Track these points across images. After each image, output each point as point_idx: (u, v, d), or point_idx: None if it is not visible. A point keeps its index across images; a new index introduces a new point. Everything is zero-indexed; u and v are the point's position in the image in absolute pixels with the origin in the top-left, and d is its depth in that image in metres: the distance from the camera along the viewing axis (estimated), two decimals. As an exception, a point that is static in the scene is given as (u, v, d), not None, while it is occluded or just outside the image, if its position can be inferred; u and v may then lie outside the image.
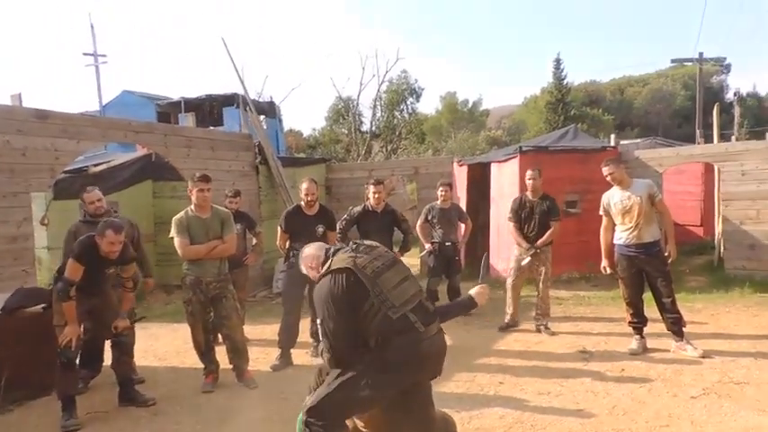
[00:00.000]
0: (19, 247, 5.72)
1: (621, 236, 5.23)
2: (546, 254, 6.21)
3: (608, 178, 5.28)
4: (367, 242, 2.96)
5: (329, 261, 2.82)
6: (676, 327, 5.15)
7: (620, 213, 5.21)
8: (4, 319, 4.77)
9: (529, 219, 6.21)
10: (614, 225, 5.33)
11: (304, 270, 3.06)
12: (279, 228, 5.71)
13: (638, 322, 5.32)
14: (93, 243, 4.24)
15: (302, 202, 5.61)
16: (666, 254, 5.18)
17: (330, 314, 2.69)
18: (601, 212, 5.44)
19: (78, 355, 4.37)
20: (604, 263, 5.46)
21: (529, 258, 6.16)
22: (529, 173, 6.32)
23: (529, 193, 6.29)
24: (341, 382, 2.68)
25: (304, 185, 5.57)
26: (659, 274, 5.13)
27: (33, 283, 5.52)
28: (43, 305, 4.82)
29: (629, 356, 5.16)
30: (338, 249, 2.90)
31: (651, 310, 5.35)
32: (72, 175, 8.59)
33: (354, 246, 2.88)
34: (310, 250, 3.03)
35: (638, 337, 5.32)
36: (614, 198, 5.27)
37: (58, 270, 4.41)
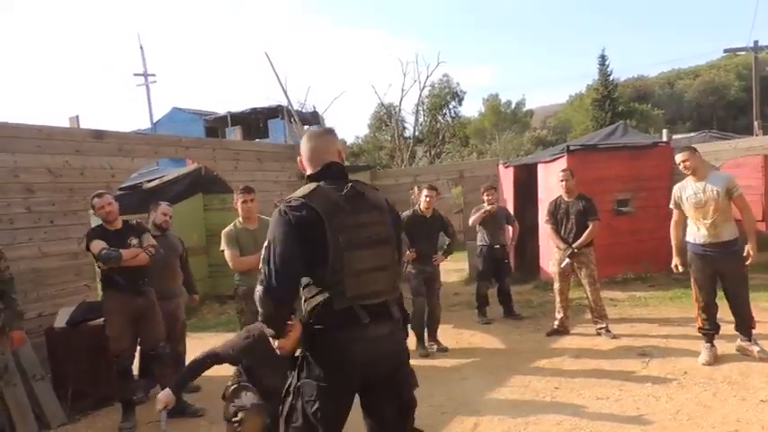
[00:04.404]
0: (80, 263, 5.95)
1: (696, 234, 4.83)
2: (587, 255, 6.02)
3: (680, 166, 4.80)
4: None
5: None
6: (745, 326, 4.86)
7: (692, 207, 4.79)
8: (69, 333, 4.99)
9: (565, 220, 6.07)
10: (686, 219, 4.95)
11: None
12: None
13: (710, 329, 4.90)
14: (95, 227, 4.54)
15: None
16: (745, 254, 4.70)
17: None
18: (671, 206, 5.04)
19: (132, 364, 4.55)
20: (675, 260, 5.05)
21: (568, 260, 6.01)
22: (560, 174, 6.18)
23: (564, 194, 6.14)
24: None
25: None
26: (735, 276, 4.77)
27: (94, 298, 5.72)
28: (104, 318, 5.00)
29: (691, 359, 4.93)
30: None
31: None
32: (127, 191, 8.91)
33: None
34: None
35: (707, 345, 4.93)
36: (687, 190, 4.83)
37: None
